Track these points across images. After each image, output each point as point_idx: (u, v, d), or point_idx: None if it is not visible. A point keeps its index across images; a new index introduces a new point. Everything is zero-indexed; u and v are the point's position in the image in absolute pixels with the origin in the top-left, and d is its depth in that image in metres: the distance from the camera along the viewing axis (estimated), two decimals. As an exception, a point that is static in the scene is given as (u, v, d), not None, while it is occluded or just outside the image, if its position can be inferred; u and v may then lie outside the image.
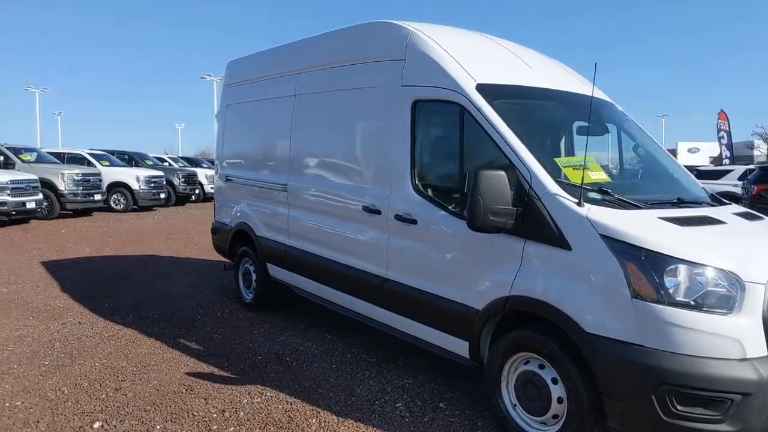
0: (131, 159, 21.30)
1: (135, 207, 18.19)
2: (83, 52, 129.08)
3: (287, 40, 6.17)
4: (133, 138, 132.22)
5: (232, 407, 3.94)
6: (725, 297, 2.89)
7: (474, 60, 4.11)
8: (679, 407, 2.83)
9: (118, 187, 18.06)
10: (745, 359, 2.81)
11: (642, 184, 4.26)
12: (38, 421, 3.72)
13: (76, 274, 8.25)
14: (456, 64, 3.99)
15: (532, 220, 3.33)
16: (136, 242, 11.61)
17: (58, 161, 17.37)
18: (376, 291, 4.47)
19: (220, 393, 4.17)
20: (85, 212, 16.60)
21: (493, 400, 3.60)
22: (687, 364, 2.81)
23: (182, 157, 28.43)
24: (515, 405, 3.51)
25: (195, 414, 3.84)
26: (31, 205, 13.85)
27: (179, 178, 21.05)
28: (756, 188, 15.29)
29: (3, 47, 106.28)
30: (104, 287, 7.45)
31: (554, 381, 3.27)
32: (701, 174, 18.72)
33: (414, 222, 4.10)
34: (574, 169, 3.49)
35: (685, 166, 4.92)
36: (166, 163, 23.60)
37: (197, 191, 22.30)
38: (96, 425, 3.68)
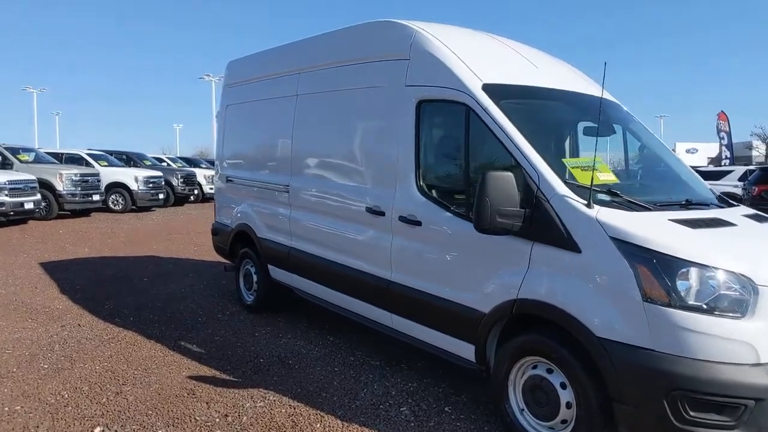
0: (130, 159, 21.24)
1: (133, 207, 18.13)
2: (81, 52, 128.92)
3: (287, 40, 6.13)
4: (131, 138, 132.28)
5: (235, 411, 3.89)
6: (738, 300, 2.84)
7: (480, 60, 4.06)
8: (691, 413, 2.78)
9: (116, 187, 17.99)
10: (758, 364, 2.76)
11: (649, 185, 4.22)
12: (38, 426, 3.66)
13: (75, 275, 8.19)
14: (462, 63, 3.94)
15: (540, 222, 3.28)
16: (135, 243, 11.55)
17: (57, 161, 17.31)
18: (379, 293, 4.42)
19: (223, 397, 4.12)
20: (84, 213, 16.53)
21: (500, 404, 3.55)
22: (700, 369, 2.76)
23: (181, 158, 28.36)
24: (522, 409, 3.46)
25: (197, 418, 3.79)
26: (29, 206, 13.77)
27: (178, 179, 20.99)
28: (756, 189, 15.26)
29: (1, 47, 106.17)
30: (104, 288, 7.39)
31: (563, 386, 3.22)
32: (701, 175, 18.64)
33: (418, 223, 4.05)
34: (582, 170, 3.45)
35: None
36: (164, 164, 23.54)
37: (196, 192, 22.25)
38: (97, 430, 3.62)
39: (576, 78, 4.74)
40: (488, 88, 3.76)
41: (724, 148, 31.42)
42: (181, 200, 21.22)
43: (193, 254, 10.32)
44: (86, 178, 16.05)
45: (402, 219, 4.15)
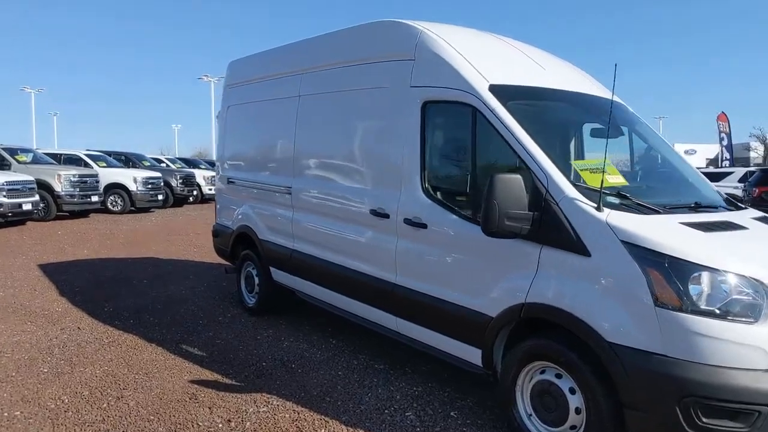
0: (128, 160, 21.16)
1: (132, 208, 18.06)
2: (79, 51, 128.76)
3: (286, 41, 6.08)
4: (129, 139, 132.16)
5: (238, 417, 3.83)
6: (751, 305, 2.80)
7: (486, 60, 4.01)
8: (704, 419, 2.73)
9: (115, 188, 17.92)
10: None
11: (657, 187, 4.17)
12: (38, 432, 3.61)
13: (74, 277, 8.13)
14: (468, 64, 3.89)
15: (548, 225, 3.24)
16: (135, 244, 11.48)
17: (55, 162, 17.22)
18: (384, 296, 4.37)
19: (225, 401, 4.06)
20: (82, 214, 16.45)
21: (508, 409, 3.50)
22: (712, 374, 2.72)
23: (180, 158, 28.27)
24: (530, 415, 3.41)
25: (200, 424, 3.73)
26: (27, 207, 13.70)
27: (177, 180, 20.92)
28: (757, 190, 15.25)
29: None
30: (103, 291, 7.33)
31: (572, 391, 3.18)
32: (701, 176, 18.61)
33: (424, 226, 4.00)
34: (591, 172, 3.40)
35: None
36: (163, 164, 23.46)
37: (195, 192, 22.18)
38: (98, 436, 3.57)
39: (582, 79, 4.70)
40: (495, 89, 3.71)
41: (723, 149, 31.42)
42: (180, 201, 21.15)
43: (193, 256, 10.26)
44: (85, 179, 15.98)
45: (407, 221, 4.10)
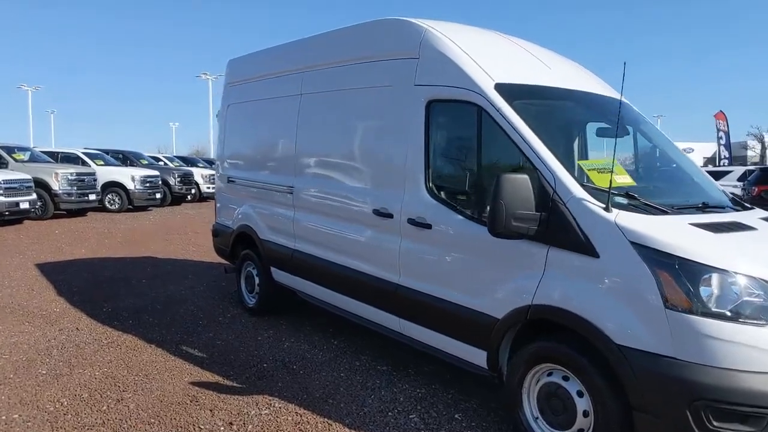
0: (126, 158, 21.05)
1: (130, 207, 17.97)
2: (76, 49, 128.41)
3: (285, 39, 6.06)
4: (126, 137, 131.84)
5: (240, 420, 3.78)
6: (762, 307, 2.76)
7: (491, 59, 3.97)
8: (715, 423, 2.69)
9: (113, 186, 17.82)
10: None
11: (664, 187, 4.12)
12: (37, 436, 3.56)
13: (72, 277, 8.06)
14: (473, 62, 3.84)
15: (556, 226, 3.19)
16: (133, 243, 11.41)
17: (52, 160, 17.12)
18: (387, 297, 4.32)
19: (227, 404, 4.01)
20: (80, 212, 16.35)
21: (514, 412, 3.46)
22: (724, 378, 2.68)
23: (178, 157, 28.15)
24: (537, 417, 3.37)
25: (201, 427, 3.68)
26: (24, 206, 13.62)
27: (175, 178, 20.82)
28: (756, 189, 15.23)
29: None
30: (101, 290, 7.26)
31: (579, 394, 3.13)
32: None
33: (428, 226, 3.95)
34: (598, 172, 3.36)
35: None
36: (161, 163, 23.35)
37: (193, 191, 22.09)
38: (98, 439, 3.52)
39: (586, 77, 4.66)
40: (501, 88, 3.67)
41: (722, 147, 31.44)
42: (178, 200, 21.06)
43: (192, 255, 10.20)
44: (82, 177, 15.88)
45: (411, 221, 4.06)
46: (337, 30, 5.14)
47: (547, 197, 3.23)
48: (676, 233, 2.97)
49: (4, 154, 15.28)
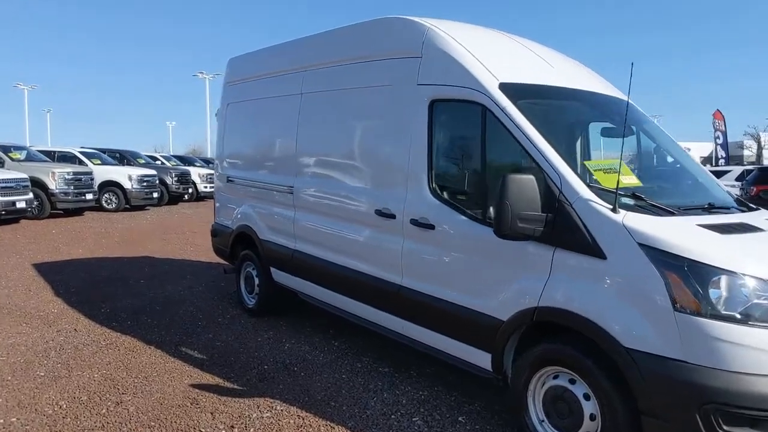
0: (123, 157, 20.95)
1: (127, 206, 17.88)
2: (71, 48, 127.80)
3: (284, 39, 5.99)
4: (122, 136, 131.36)
5: (241, 423, 3.74)
6: None
7: (495, 58, 3.93)
8: (725, 427, 2.66)
9: (110, 186, 17.73)
10: None
11: (669, 188, 4.09)
12: (35, 439, 3.51)
13: (70, 277, 7.99)
14: (477, 62, 3.80)
15: (562, 227, 3.15)
16: (130, 243, 11.35)
17: (49, 160, 17.01)
18: (389, 298, 4.28)
19: (228, 407, 3.96)
20: (77, 212, 16.26)
21: (519, 415, 3.42)
22: (734, 381, 2.64)
23: (175, 156, 28.05)
24: (543, 421, 3.34)
25: (202, 430, 3.64)
26: (21, 205, 13.53)
27: (172, 177, 20.73)
28: (755, 189, 15.24)
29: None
30: (99, 291, 7.21)
31: (586, 397, 3.10)
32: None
33: (431, 227, 3.91)
34: (604, 172, 3.33)
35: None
36: (158, 162, 23.26)
37: (190, 190, 22.03)
38: (97, 443, 3.47)
39: (590, 77, 4.62)
40: (505, 88, 3.63)
41: (719, 147, 31.49)
42: (175, 199, 20.98)
43: (190, 255, 10.14)
44: (79, 176, 15.79)
45: (414, 222, 4.01)
46: (339, 29, 5.10)
47: (553, 198, 3.19)
48: (684, 235, 2.93)
49: (1, 153, 15.19)
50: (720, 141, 31.58)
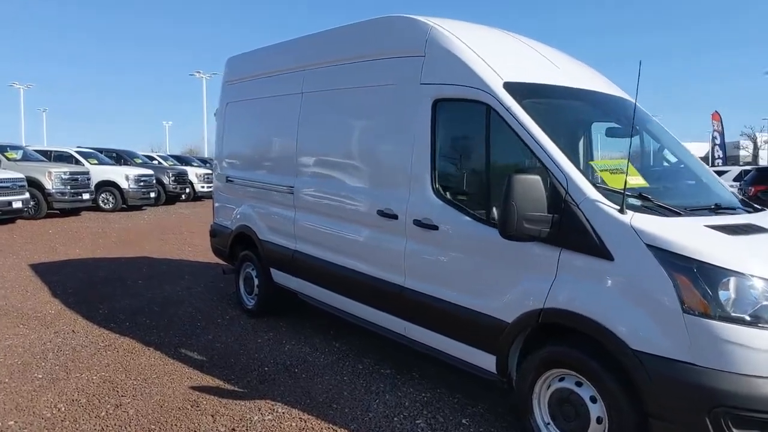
0: (120, 157, 20.86)
1: (124, 206, 17.78)
2: (66, 47, 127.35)
3: (283, 38, 5.94)
4: (118, 135, 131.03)
5: (243, 425, 3.69)
6: None
7: (499, 57, 3.89)
8: (735, 430, 2.63)
9: (106, 186, 17.64)
10: None
11: (675, 188, 4.06)
12: (34, 443, 3.45)
13: (67, 278, 7.93)
14: (481, 61, 3.76)
15: (568, 228, 3.12)
16: (128, 243, 11.28)
17: (45, 159, 16.91)
18: (392, 300, 4.24)
19: (229, 409, 3.92)
20: (73, 212, 16.17)
21: (524, 418, 3.39)
22: (744, 384, 2.61)
23: (172, 156, 27.96)
24: (548, 423, 3.30)
25: (203, 433, 3.60)
26: (17, 205, 13.44)
27: (169, 177, 20.67)
28: (753, 189, 15.27)
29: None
30: (97, 291, 7.15)
31: (593, 400, 3.06)
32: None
33: (435, 228, 3.87)
34: (611, 173, 3.29)
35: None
36: (155, 162, 23.17)
37: (187, 190, 21.95)
38: (97, 447, 3.42)
39: (593, 77, 4.58)
40: (510, 87, 3.59)
41: (716, 147, 31.54)
42: (172, 199, 20.91)
43: (188, 255, 10.08)
44: (76, 176, 15.70)
45: (417, 223, 3.97)
46: (341, 27, 5.05)
47: (559, 199, 3.16)
48: (693, 236, 2.90)
49: (-4, 153, 15.10)
50: (717, 141, 31.64)
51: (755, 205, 4.01)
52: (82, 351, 5.03)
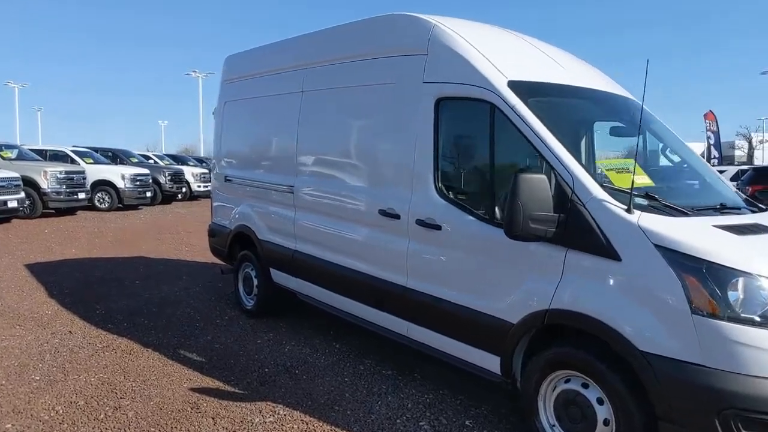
0: (116, 156, 20.77)
1: (120, 206, 17.68)
2: (62, 45, 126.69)
3: (281, 37, 5.89)
4: (113, 135, 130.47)
5: (244, 428, 3.65)
6: None
7: (503, 55, 3.86)
8: (744, 432, 2.60)
9: (102, 185, 17.51)
10: None
11: (680, 188, 4.04)
12: (32, 447, 3.40)
13: (63, 278, 7.85)
14: (485, 59, 3.73)
15: (575, 228, 3.08)
16: (124, 243, 11.20)
17: (41, 159, 16.80)
18: (394, 300, 4.20)
19: (229, 411, 3.87)
20: (69, 211, 16.06)
21: (529, 420, 3.35)
22: (754, 386, 2.58)
23: (168, 155, 27.83)
24: (554, 425, 3.27)
25: (204, 436, 3.55)
26: (12, 204, 13.33)
27: (165, 177, 20.54)
28: (750, 189, 15.26)
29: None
30: (94, 292, 7.08)
31: (600, 401, 3.03)
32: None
33: (438, 227, 3.83)
34: (617, 172, 3.27)
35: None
36: (151, 161, 23.06)
37: (184, 190, 21.81)
38: (96, 450, 3.37)
39: (598, 76, 4.55)
40: (514, 85, 3.55)
41: (711, 147, 31.58)
42: (168, 198, 20.79)
43: (185, 255, 10.01)
44: (71, 175, 15.60)
45: (419, 222, 3.93)
46: (342, 25, 5.01)
47: (565, 198, 3.12)
48: (701, 236, 2.87)
49: (-9, 152, 14.99)
50: (712, 141, 31.66)
51: (760, 205, 3.99)
52: (79, 352, 4.97)
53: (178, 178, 21.41)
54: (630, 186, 3.02)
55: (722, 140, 35.40)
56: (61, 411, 3.85)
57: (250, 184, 6.05)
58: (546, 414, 3.30)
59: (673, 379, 2.70)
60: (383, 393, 4.22)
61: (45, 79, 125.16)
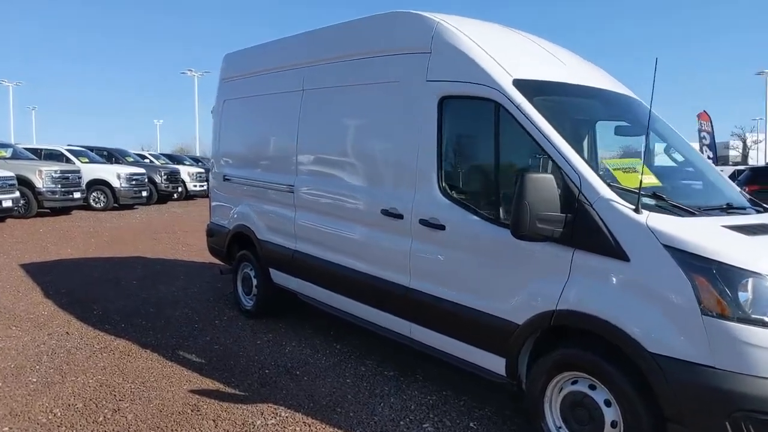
0: (111, 156, 20.63)
1: (115, 205, 17.57)
2: (58, 45, 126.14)
3: (280, 36, 5.82)
4: (108, 134, 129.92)
5: (246, 430, 3.60)
6: None
7: (507, 54, 3.82)
8: (755, 435, 2.57)
9: (98, 184, 17.41)
10: None
11: (686, 188, 4.01)
12: (30, 450, 3.34)
13: (59, 278, 7.77)
14: (489, 58, 3.69)
15: (582, 228, 3.05)
16: (121, 242, 11.11)
17: (35, 158, 16.65)
18: (396, 301, 4.16)
19: (230, 413, 3.82)
20: (64, 211, 15.96)
21: (535, 422, 3.32)
22: (764, 387, 2.56)
23: (164, 154, 27.71)
24: (560, 427, 3.23)
25: (205, 439, 3.50)
26: (7, 204, 13.20)
27: (161, 176, 20.44)
28: (747, 189, 15.30)
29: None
30: (91, 292, 7.00)
31: (607, 403, 3.00)
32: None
33: (441, 227, 3.79)
34: (624, 171, 3.23)
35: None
36: (147, 160, 22.94)
37: (180, 189, 21.74)
38: (96, 454, 3.31)
39: (601, 75, 4.52)
40: (519, 84, 3.52)
41: (705, 147, 31.66)
42: (164, 198, 20.70)
43: (182, 255, 9.93)
44: (67, 175, 15.48)
45: (423, 222, 3.89)
46: (343, 23, 4.96)
47: (572, 198, 3.09)
48: (711, 236, 2.84)
49: (-14, 151, 14.86)
50: (707, 141, 31.74)
51: (764, 205, 3.97)
52: (77, 353, 4.91)
53: (174, 177, 21.31)
54: (638, 186, 2.99)
55: (717, 141, 35.52)
56: (59, 414, 3.79)
57: (250, 184, 6.00)
58: (552, 416, 3.27)
59: (683, 381, 2.67)
60: (386, 394, 4.18)
61: (39, 78, 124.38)
